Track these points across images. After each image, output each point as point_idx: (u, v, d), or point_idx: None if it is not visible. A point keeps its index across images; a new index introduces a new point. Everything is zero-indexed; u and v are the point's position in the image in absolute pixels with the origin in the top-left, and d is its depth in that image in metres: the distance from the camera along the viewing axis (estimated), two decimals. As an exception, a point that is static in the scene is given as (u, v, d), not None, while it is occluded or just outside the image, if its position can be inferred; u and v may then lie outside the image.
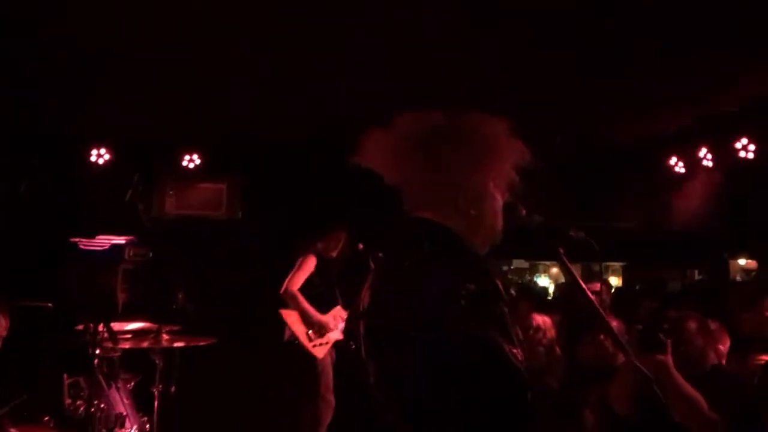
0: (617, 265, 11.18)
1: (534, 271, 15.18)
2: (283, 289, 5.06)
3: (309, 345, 5.04)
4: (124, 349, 4.25)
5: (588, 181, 7.01)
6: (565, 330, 5.06)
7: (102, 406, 3.94)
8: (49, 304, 5.03)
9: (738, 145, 6.18)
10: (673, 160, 7.04)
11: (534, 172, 1.76)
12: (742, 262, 10.81)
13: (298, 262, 5.15)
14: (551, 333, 4.55)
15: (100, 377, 4.00)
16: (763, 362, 3.58)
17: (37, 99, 5.86)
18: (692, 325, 3.18)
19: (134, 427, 4.14)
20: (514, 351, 1.52)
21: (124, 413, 4.07)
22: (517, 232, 1.86)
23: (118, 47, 4.70)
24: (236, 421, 5.64)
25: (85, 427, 3.82)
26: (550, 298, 10.80)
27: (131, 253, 6.00)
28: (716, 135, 6.47)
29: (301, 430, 5.09)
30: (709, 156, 6.62)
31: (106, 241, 5.58)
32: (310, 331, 5.06)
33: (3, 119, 6.19)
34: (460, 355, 1.48)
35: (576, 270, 2.01)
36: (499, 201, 1.78)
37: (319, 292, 5.17)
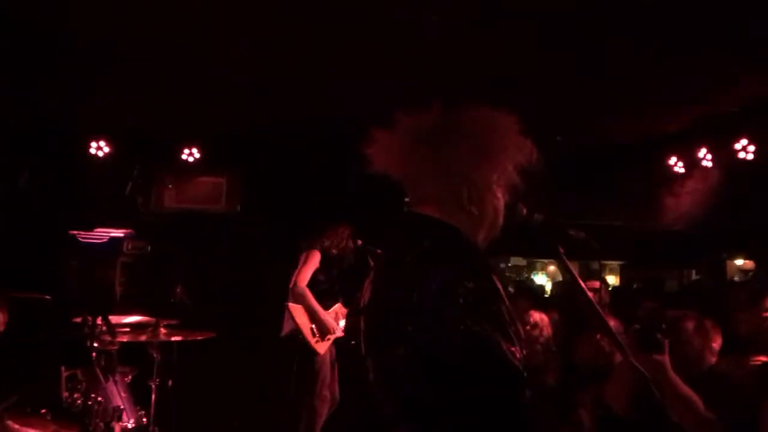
0: (615, 264, 11.20)
1: (531, 268, 15.22)
2: (292, 284, 5.05)
3: (312, 340, 5.05)
4: (122, 343, 4.26)
5: (587, 179, 7.00)
6: (563, 328, 5.07)
7: (99, 399, 3.95)
8: (47, 297, 5.03)
9: (738, 146, 6.19)
10: (672, 160, 7.05)
11: (534, 170, 1.76)
12: (739, 262, 10.84)
13: (302, 258, 5.15)
14: (548, 331, 4.56)
15: (98, 370, 4.01)
16: (760, 363, 3.59)
17: (36, 91, 5.84)
18: (690, 325, 3.20)
19: (131, 420, 4.16)
20: (513, 349, 1.52)
21: (122, 406, 4.08)
22: (518, 230, 1.86)
23: (118, 41, 4.69)
24: (233, 415, 5.65)
25: (83, 419, 3.83)
26: (546, 296, 10.83)
27: (130, 247, 6.02)
28: (716, 135, 6.47)
29: (297, 426, 5.10)
30: (709, 156, 6.63)
31: (104, 234, 5.59)
32: (314, 327, 5.07)
33: (2, 112, 6.17)
34: (459, 353, 1.48)
35: (574, 268, 2.01)
36: (501, 199, 1.77)
37: (322, 289, 5.17)
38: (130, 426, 4.14)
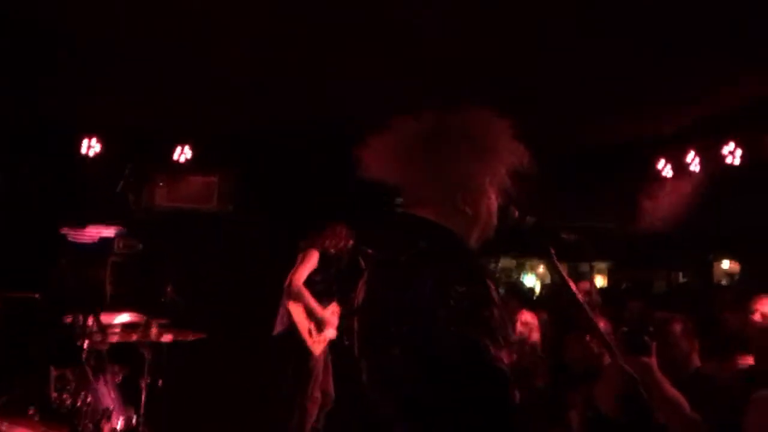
0: (603, 265, 11.28)
1: (521, 269, 15.27)
2: (288, 282, 5.04)
3: (309, 340, 5.04)
4: (112, 342, 4.24)
5: (576, 182, 7.04)
6: (553, 329, 5.11)
7: (89, 399, 3.92)
8: (36, 296, 4.99)
9: (725, 150, 6.25)
10: (661, 163, 7.11)
11: (527, 173, 1.78)
12: (725, 264, 10.95)
13: (300, 257, 5.14)
14: (537, 332, 4.59)
15: (88, 370, 3.99)
16: (746, 364, 3.63)
17: (28, 89, 5.81)
18: (677, 327, 3.23)
19: (121, 421, 4.13)
20: (500, 353, 1.54)
21: (111, 406, 4.05)
22: (510, 232, 1.88)
23: (111, 40, 4.68)
24: (223, 415, 5.64)
25: (72, 420, 3.80)
26: (535, 297, 10.89)
27: (121, 245, 5.99)
28: (704, 139, 6.53)
29: (287, 426, 5.09)
30: (697, 160, 6.69)
31: (95, 232, 5.56)
32: (312, 327, 5.07)
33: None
34: (450, 354, 1.51)
35: (563, 270, 2.03)
36: (494, 200, 1.79)
37: (319, 289, 5.17)
38: (119, 427, 4.11)
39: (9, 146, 6.46)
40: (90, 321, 4.01)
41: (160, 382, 4.54)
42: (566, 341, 3.98)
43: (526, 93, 5.29)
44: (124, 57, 4.90)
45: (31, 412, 3.71)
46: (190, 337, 4.39)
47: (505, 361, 1.55)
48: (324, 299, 5.21)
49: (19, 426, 3.52)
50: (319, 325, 5.10)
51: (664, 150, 7.03)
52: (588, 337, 3.62)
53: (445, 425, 1.52)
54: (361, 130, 1.77)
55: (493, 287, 1.64)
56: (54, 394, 4.02)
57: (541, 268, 14.43)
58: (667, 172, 7.05)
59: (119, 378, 4.38)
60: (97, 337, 4.10)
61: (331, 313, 5.26)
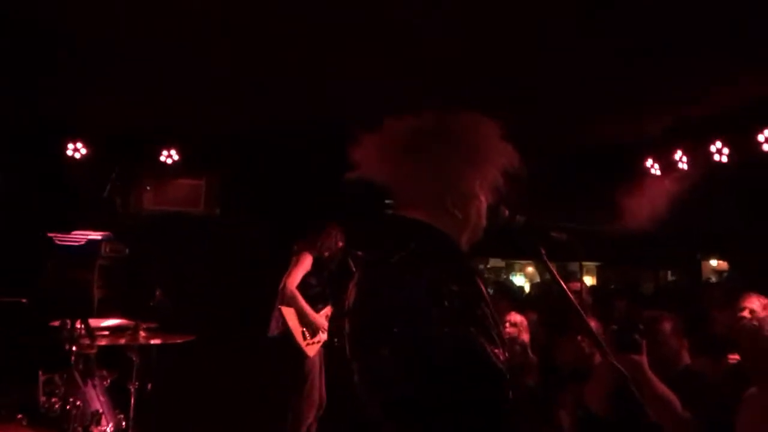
0: (592, 264, 11.32)
1: (510, 269, 15.33)
2: (282, 285, 5.03)
3: (303, 343, 5.03)
4: (101, 346, 4.21)
5: (565, 181, 7.07)
6: (542, 329, 5.12)
7: (78, 403, 3.89)
8: (23, 300, 4.94)
9: (713, 149, 6.30)
10: (649, 162, 7.14)
11: (516, 173, 1.79)
12: (713, 263, 11.04)
13: (294, 260, 5.12)
14: (527, 332, 4.59)
15: (76, 374, 3.95)
16: (735, 362, 3.65)
17: (13, 92, 5.75)
18: (667, 326, 3.25)
19: (110, 425, 4.10)
20: (496, 351, 1.55)
21: (100, 411, 4.02)
22: (500, 232, 1.88)
23: (97, 42, 4.64)
24: (213, 418, 5.61)
25: (61, 424, 3.77)
26: (525, 296, 10.92)
27: (107, 249, 5.93)
28: (692, 138, 6.58)
29: (282, 428, 5.08)
30: (685, 159, 6.73)
31: (82, 236, 5.51)
32: (305, 330, 5.05)
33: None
34: (444, 354, 1.50)
35: (553, 269, 2.03)
36: (484, 202, 1.80)
37: (314, 293, 5.15)
38: (108, 431, 4.08)
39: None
40: (78, 325, 3.98)
41: (149, 385, 4.51)
42: (559, 343, 3.99)
43: (521, 93, 5.31)
44: (109, 60, 4.86)
45: (19, 416, 3.68)
46: (179, 341, 4.36)
47: (501, 358, 1.55)
48: (320, 303, 5.20)
49: (8, 431, 3.49)
50: (312, 329, 5.08)
51: (652, 149, 7.07)
52: (579, 337, 3.63)
53: (441, 425, 1.51)
54: (358, 131, 1.77)
55: (483, 286, 1.65)
56: (42, 399, 3.98)
57: (530, 268, 14.49)
58: (656, 170, 7.09)
59: (108, 382, 4.34)
60: (86, 341, 4.07)
61: (326, 317, 5.25)
